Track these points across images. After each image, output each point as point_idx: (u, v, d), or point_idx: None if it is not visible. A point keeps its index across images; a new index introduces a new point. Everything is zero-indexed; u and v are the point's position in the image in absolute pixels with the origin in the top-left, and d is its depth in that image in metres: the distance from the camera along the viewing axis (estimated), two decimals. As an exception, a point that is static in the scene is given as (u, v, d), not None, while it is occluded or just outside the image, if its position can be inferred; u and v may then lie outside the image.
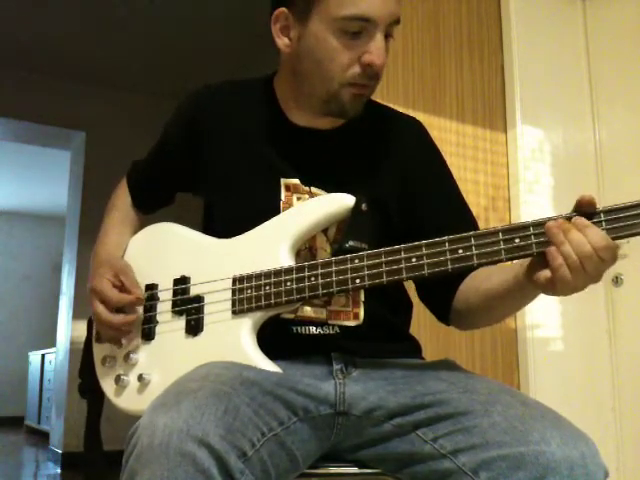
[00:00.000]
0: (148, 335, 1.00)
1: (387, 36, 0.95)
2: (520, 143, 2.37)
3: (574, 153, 2.50)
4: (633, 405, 2.29)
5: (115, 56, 4.11)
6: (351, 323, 0.98)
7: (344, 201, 0.93)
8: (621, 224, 0.79)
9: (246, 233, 0.98)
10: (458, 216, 1.07)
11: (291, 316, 0.97)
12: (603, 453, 0.78)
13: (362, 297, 0.99)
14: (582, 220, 0.78)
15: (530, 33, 2.49)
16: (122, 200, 1.19)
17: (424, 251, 0.83)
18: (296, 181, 1.00)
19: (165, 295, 1.00)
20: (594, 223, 0.78)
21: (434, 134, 1.15)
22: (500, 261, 0.81)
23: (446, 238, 0.83)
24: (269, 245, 0.95)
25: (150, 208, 1.21)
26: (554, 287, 0.79)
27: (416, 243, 0.84)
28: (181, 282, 0.99)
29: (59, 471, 4.08)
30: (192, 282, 0.98)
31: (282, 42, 0.98)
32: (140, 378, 0.96)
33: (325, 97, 0.97)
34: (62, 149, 4.89)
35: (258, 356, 0.90)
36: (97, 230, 1.16)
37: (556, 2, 2.61)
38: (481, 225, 1.07)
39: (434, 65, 2.31)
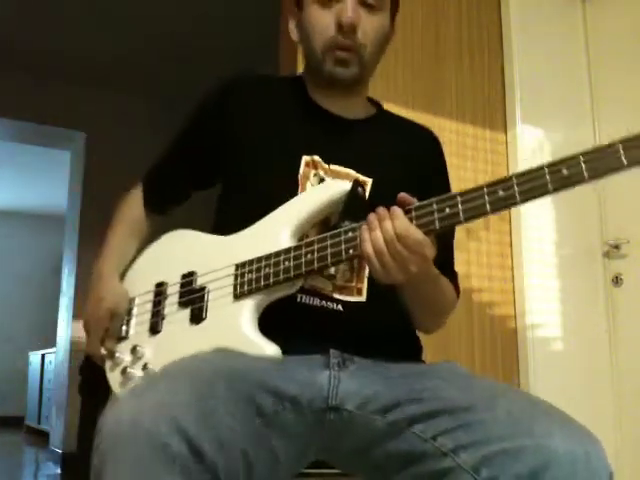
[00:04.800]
0: (154, 329, 1.02)
1: (365, 5, 1.05)
2: (520, 143, 2.37)
3: (574, 153, 2.50)
4: (633, 405, 2.29)
5: (115, 57, 4.12)
6: (354, 299, 0.99)
7: (341, 186, 0.96)
8: (422, 221, 0.86)
9: (248, 228, 1.00)
10: None
11: None
12: (603, 453, 0.77)
13: (366, 272, 1.01)
14: (395, 210, 0.86)
15: (530, 33, 2.49)
16: (129, 214, 1.22)
17: (413, 214, 0.87)
18: (316, 158, 1.05)
19: (172, 289, 1.03)
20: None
21: (434, 134, 1.16)
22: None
23: (434, 200, 0.86)
24: (271, 233, 0.97)
25: (168, 204, 1.24)
26: (372, 274, 0.87)
27: (406, 207, 0.87)
28: (188, 276, 1.02)
29: (59, 471, 4.08)
30: (198, 275, 1.01)
31: (294, 35, 1.13)
32: (144, 367, 0.97)
33: (318, 68, 1.06)
34: (62, 149, 4.88)
35: (257, 338, 0.90)
36: (97, 230, 1.17)
37: (556, 3, 2.61)
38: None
39: (434, 65, 2.31)
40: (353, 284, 1.00)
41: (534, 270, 2.30)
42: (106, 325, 1.07)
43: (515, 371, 2.25)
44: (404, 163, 1.11)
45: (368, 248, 0.85)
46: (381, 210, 0.87)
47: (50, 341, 5.75)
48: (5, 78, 4.19)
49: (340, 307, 0.98)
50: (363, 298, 1.00)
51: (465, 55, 2.39)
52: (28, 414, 6.74)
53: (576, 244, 2.42)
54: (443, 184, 1.17)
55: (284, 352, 0.90)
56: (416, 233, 0.84)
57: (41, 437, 5.73)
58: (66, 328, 4.40)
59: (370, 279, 1.00)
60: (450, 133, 2.28)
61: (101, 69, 4.28)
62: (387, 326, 1.01)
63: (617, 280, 2.40)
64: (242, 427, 0.74)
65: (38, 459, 4.91)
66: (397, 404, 0.85)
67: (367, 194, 1.04)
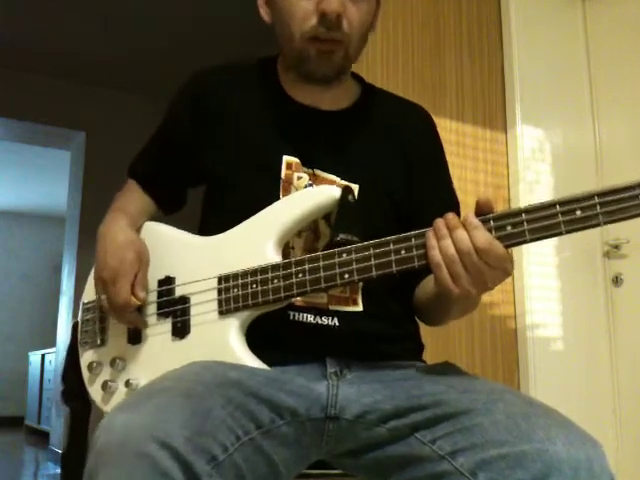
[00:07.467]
0: (134, 339, 0.97)
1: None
2: (520, 143, 2.37)
3: (574, 153, 2.50)
4: (633, 406, 2.29)
5: (116, 56, 4.11)
6: (351, 309, 0.95)
7: (330, 194, 0.90)
8: (506, 232, 0.78)
9: (231, 230, 0.95)
10: (448, 208, 1.05)
11: None
12: (603, 453, 0.77)
13: (360, 283, 0.96)
14: (473, 220, 0.78)
15: (530, 33, 2.49)
16: (129, 195, 1.12)
17: (413, 242, 0.81)
18: (297, 160, 0.98)
19: (150, 297, 0.97)
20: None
21: (434, 134, 1.15)
22: None
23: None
24: (254, 242, 0.92)
25: (174, 202, 1.15)
26: (437, 284, 0.80)
27: (404, 234, 0.82)
28: (165, 283, 0.96)
29: (59, 471, 4.08)
30: (177, 283, 0.95)
31: (264, 11, 1.03)
32: (127, 384, 0.93)
33: (296, 58, 0.97)
34: (62, 149, 4.89)
35: (247, 356, 0.87)
36: (97, 230, 1.13)
37: (556, 2, 2.61)
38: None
39: (434, 65, 2.31)
40: (347, 295, 0.95)
41: (534, 270, 2.30)
42: (137, 269, 0.95)
43: (515, 371, 2.25)
44: (394, 157, 1.04)
45: (436, 256, 0.78)
46: (450, 217, 0.79)
47: (50, 341, 5.75)
48: (5, 78, 4.19)
49: (336, 321, 0.93)
50: (360, 308, 0.96)
51: (465, 55, 2.39)
52: (28, 414, 6.73)
53: (576, 244, 2.42)
54: (440, 171, 1.11)
55: (279, 363, 0.88)
56: (499, 247, 0.77)
57: (41, 437, 5.73)
58: (66, 328, 4.40)
59: (364, 289, 0.96)
60: (450, 133, 2.28)
61: (101, 68, 4.28)
62: (387, 332, 0.98)
63: (617, 280, 2.40)
64: (240, 440, 0.73)
65: (38, 459, 4.91)
66: (397, 412, 0.84)
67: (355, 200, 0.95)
